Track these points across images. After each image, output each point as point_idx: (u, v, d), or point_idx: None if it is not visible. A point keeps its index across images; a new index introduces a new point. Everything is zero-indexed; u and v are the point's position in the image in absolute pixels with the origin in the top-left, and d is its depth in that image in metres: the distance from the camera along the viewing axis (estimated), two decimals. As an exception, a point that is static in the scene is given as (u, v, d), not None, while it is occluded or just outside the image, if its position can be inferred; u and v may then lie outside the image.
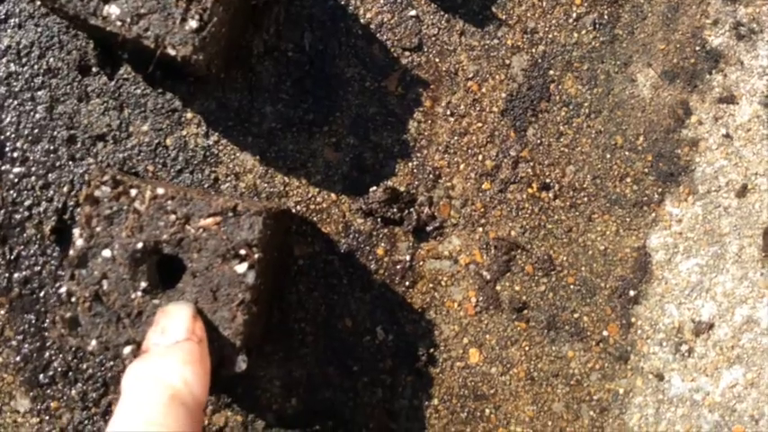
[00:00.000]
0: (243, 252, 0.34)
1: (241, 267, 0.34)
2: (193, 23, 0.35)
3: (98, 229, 0.34)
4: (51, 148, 0.41)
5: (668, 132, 0.44)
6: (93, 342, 0.34)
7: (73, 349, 0.42)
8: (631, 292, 0.44)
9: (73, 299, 0.34)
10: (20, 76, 0.41)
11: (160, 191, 0.34)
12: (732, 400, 0.44)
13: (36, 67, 0.41)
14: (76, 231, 0.34)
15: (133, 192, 0.34)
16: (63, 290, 0.34)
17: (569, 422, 0.44)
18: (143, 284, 0.34)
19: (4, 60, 0.41)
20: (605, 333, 0.44)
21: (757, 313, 0.44)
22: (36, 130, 0.41)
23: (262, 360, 0.42)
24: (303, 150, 0.43)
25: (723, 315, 0.44)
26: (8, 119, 0.41)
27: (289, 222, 0.42)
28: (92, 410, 0.42)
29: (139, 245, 0.34)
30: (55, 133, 0.41)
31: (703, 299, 0.44)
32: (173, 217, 0.34)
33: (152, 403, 0.29)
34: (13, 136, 0.41)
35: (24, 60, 0.41)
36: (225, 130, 0.42)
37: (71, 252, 0.34)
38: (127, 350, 0.34)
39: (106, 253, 0.34)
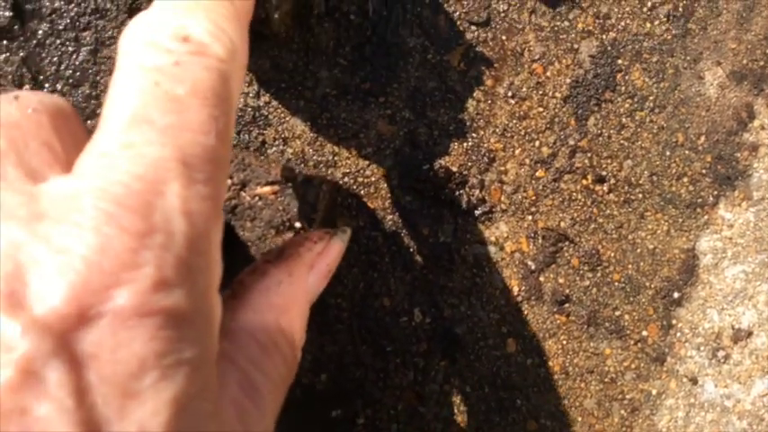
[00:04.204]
0: (298, 225, 0.33)
1: (295, 240, 0.33)
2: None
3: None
4: (93, 93, 0.39)
5: (730, 134, 0.43)
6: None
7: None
8: (675, 294, 0.43)
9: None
10: (65, 14, 0.38)
11: (217, 153, 0.32)
12: (762, 409, 0.43)
13: (83, 5, 0.39)
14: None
15: (189, 151, 0.32)
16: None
17: (599, 419, 0.43)
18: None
19: (46, -4, 0.39)
20: (645, 333, 0.43)
21: (798, 325, 0.43)
22: (78, 74, 0.39)
23: (294, 333, 0.41)
24: (356, 120, 0.41)
25: (763, 324, 0.43)
26: (48, 59, 0.39)
27: (336, 195, 0.41)
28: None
29: (192, 208, 0.32)
30: (98, 78, 0.39)
31: (745, 306, 0.43)
32: (228, 182, 0.33)
33: None
34: (52, 77, 0.39)
35: (69, -2, 0.39)
36: (277, 92, 0.40)
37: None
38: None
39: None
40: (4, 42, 0.38)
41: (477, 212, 0.42)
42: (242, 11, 0.25)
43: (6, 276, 0.17)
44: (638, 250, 0.43)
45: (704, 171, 0.43)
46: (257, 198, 0.33)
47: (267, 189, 0.33)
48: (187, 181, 0.20)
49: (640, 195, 0.42)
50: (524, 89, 0.42)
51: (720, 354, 0.43)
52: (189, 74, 0.21)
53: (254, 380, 0.23)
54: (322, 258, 0.29)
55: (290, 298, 0.26)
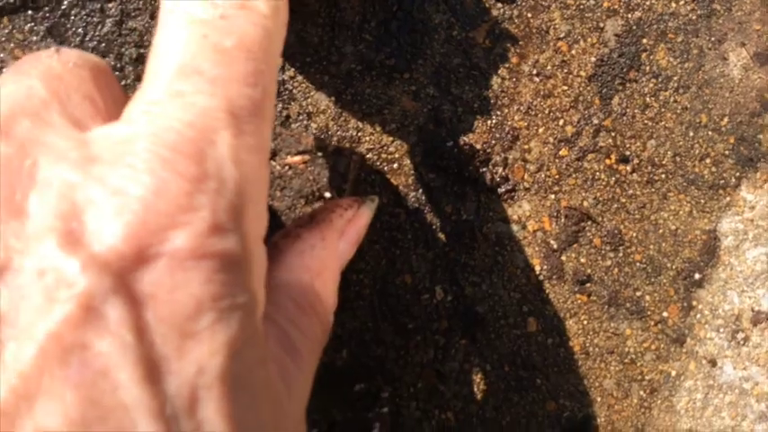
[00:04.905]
0: (328, 195, 0.33)
1: (325, 211, 0.33)
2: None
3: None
4: (118, 65, 0.39)
5: (753, 116, 0.43)
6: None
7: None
8: (696, 276, 0.43)
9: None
10: (91, -15, 0.38)
11: (248, 121, 0.32)
12: (780, 392, 0.44)
13: (110, -24, 0.38)
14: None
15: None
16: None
17: (618, 400, 0.43)
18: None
19: (72, -34, 0.38)
20: (665, 314, 0.43)
21: (818, 308, 0.43)
22: (103, 45, 0.39)
23: (315, 309, 0.41)
24: (381, 96, 0.41)
25: (783, 307, 0.43)
26: (73, 29, 0.38)
27: (361, 170, 0.40)
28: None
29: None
30: (123, 50, 0.39)
31: (765, 288, 0.43)
32: (258, 150, 0.32)
33: None
34: (76, 48, 0.38)
35: (94, -32, 0.38)
36: (302, 67, 0.40)
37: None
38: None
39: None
40: (29, 12, 0.38)
41: (500, 190, 0.42)
42: None
43: (63, 214, 0.17)
44: (660, 231, 0.43)
45: (727, 152, 0.43)
46: (287, 167, 0.32)
47: (297, 158, 0.32)
48: (236, 131, 0.20)
49: (663, 176, 0.42)
50: (549, 67, 0.41)
51: (740, 336, 0.43)
52: (235, 27, 0.21)
53: (293, 338, 0.23)
54: (352, 225, 0.29)
55: (323, 261, 0.26)
